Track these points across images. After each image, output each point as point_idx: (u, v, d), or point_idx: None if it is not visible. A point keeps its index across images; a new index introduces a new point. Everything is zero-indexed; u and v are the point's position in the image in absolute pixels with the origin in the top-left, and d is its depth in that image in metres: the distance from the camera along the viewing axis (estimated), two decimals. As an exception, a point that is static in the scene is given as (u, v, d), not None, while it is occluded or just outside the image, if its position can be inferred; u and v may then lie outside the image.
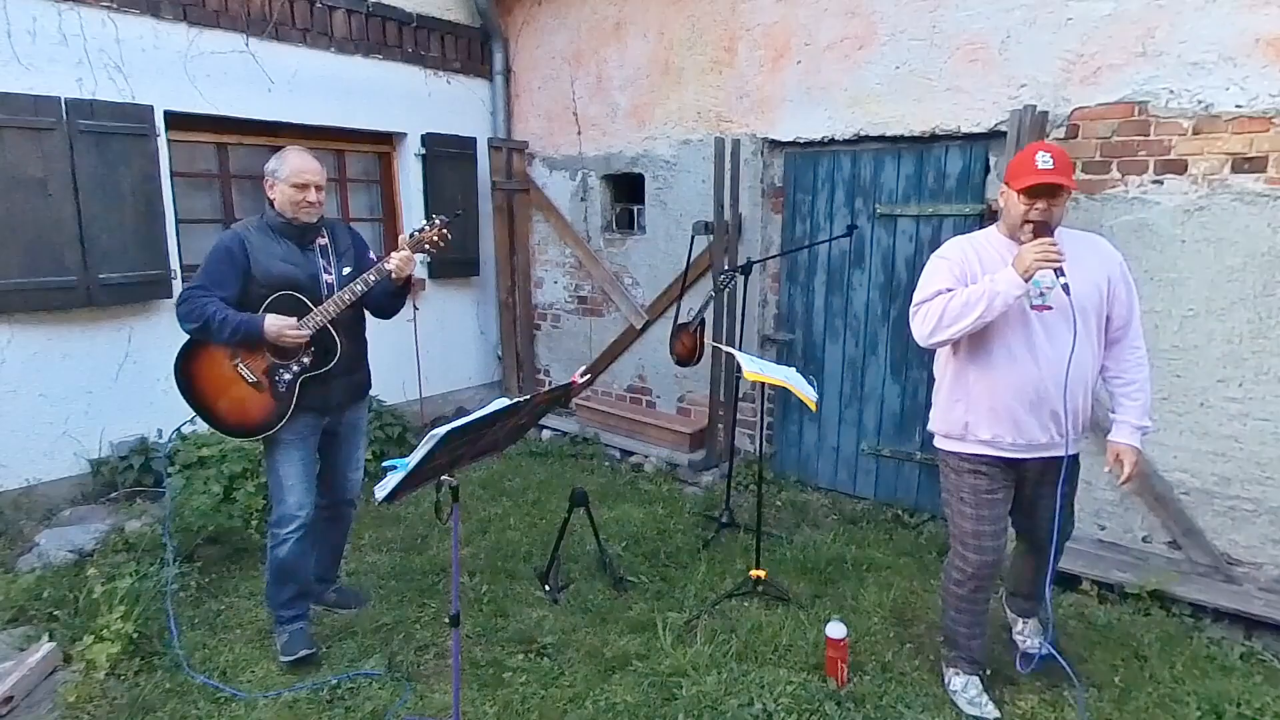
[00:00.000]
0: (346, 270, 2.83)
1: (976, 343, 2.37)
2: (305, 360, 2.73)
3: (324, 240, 2.83)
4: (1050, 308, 2.30)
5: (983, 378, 2.38)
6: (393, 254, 2.74)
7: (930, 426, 2.63)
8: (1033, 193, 2.25)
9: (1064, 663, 2.34)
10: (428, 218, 2.85)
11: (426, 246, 2.82)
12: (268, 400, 2.73)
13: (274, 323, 2.63)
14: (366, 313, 2.97)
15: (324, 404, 2.83)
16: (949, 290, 2.32)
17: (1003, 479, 2.48)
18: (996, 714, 2.58)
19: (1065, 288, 2.18)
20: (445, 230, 2.84)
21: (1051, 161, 2.22)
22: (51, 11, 3.80)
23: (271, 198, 2.73)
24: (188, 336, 2.70)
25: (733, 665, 2.83)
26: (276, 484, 2.82)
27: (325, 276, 2.79)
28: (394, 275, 2.74)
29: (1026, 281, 2.20)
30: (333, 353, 2.76)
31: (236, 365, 2.71)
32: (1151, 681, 2.77)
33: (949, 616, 2.69)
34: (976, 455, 2.46)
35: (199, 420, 2.78)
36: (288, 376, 2.72)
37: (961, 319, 2.25)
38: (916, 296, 2.41)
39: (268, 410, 2.73)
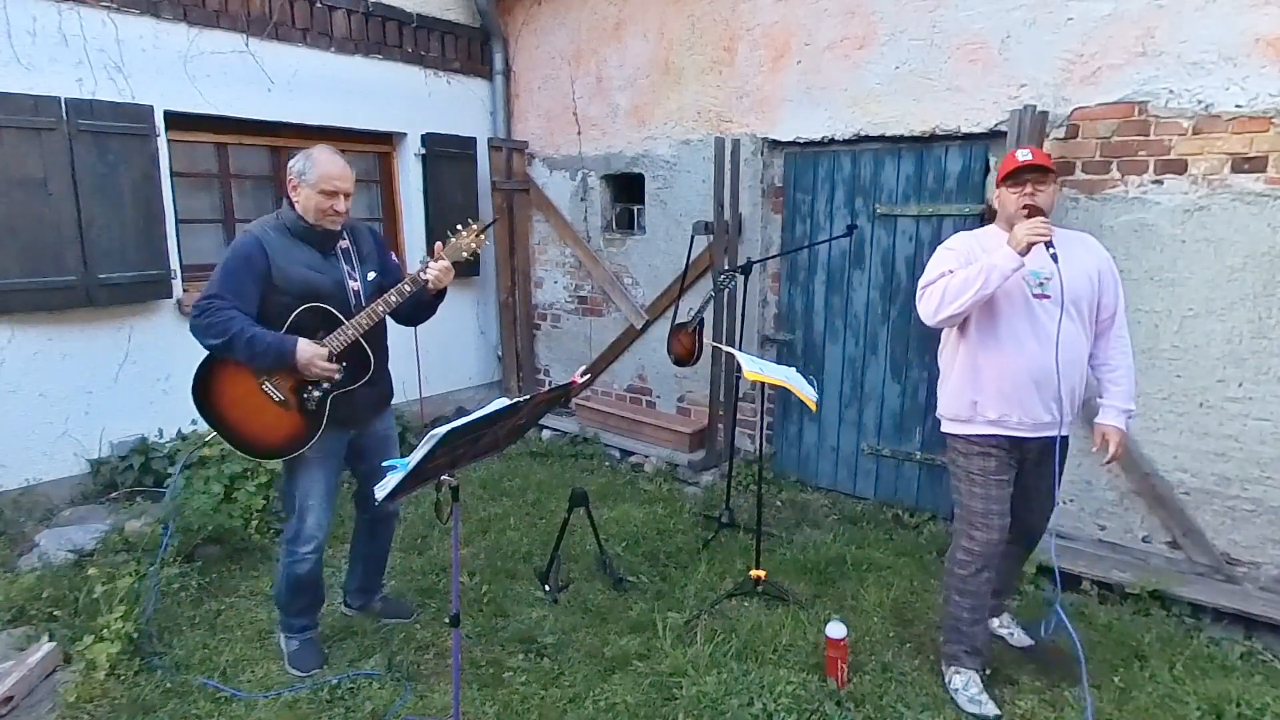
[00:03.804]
0: (371, 275, 2.69)
1: (985, 328, 2.55)
2: (337, 376, 2.56)
3: (345, 243, 2.67)
4: (1049, 296, 2.48)
5: (991, 360, 2.54)
6: (430, 264, 2.58)
7: (939, 412, 2.76)
8: (1017, 179, 2.47)
9: (1070, 628, 2.42)
10: (464, 223, 2.69)
11: (465, 255, 2.66)
12: (296, 419, 2.56)
13: (307, 351, 2.46)
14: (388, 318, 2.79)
15: (350, 417, 2.68)
16: (952, 272, 2.50)
17: (1007, 460, 2.61)
18: (997, 711, 2.59)
19: (1054, 257, 2.35)
20: (483, 236, 2.70)
21: (1030, 154, 2.49)
22: (51, 11, 3.80)
23: (295, 199, 2.54)
24: (205, 351, 2.51)
25: (733, 665, 2.83)
26: (297, 503, 2.67)
27: (351, 283, 2.63)
28: (431, 286, 2.59)
29: (1022, 256, 2.35)
30: (366, 367, 2.62)
31: (262, 383, 2.52)
32: (1151, 681, 2.77)
33: (951, 602, 2.72)
34: (984, 436, 2.59)
35: (224, 442, 2.62)
36: (318, 394, 2.55)
37: (963, 294, 2.40)
38: (922, 280, 2.58)
39: (297, 430, 2.57)
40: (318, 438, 2.60)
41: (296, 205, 2.54)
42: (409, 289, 2.57)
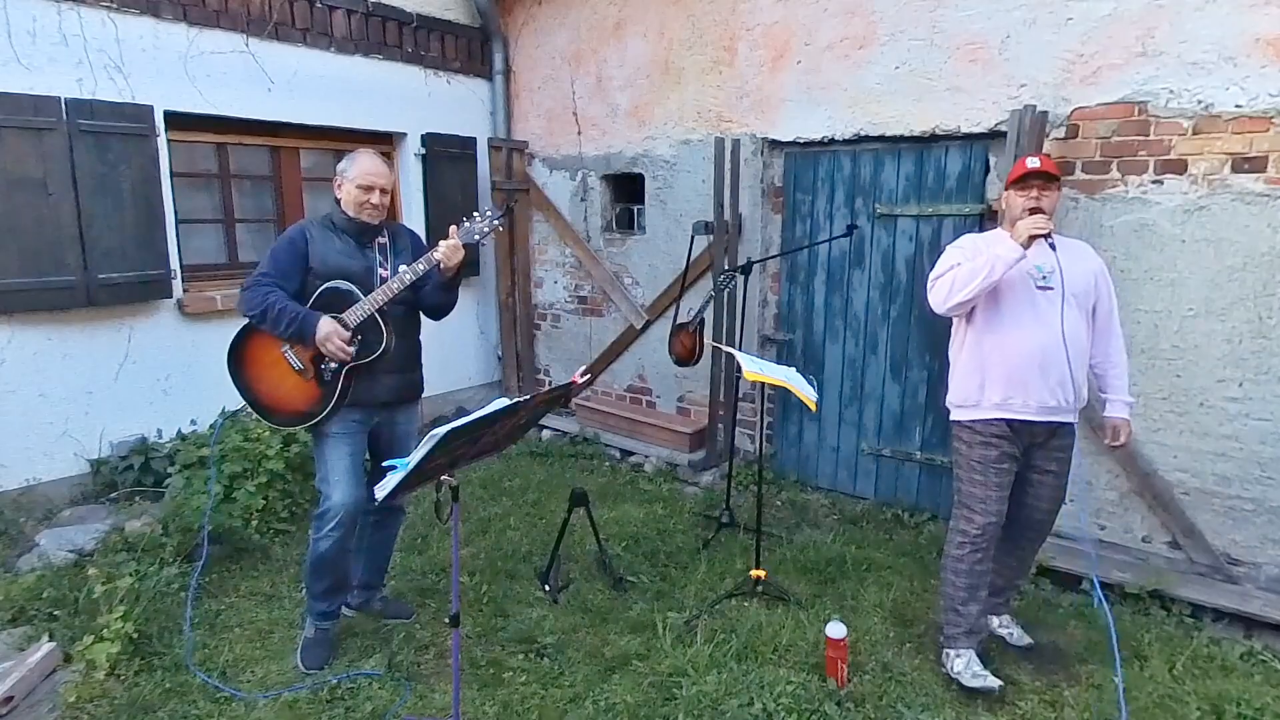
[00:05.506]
0: (402, 269, 2.83)
1: (990, 315, 2.70)
2: (351, 349, 2.72)
3: (383, 240, 2.87)
4: (1051, 288, 2.65)
5: (996, 346, 2.69)
6: (441, 242, 2.73)
7: (947, 400, 2.87)
8: (1025, 184, 2.65)
9: (1105, 604, 2.54)
10: (480, 210, 2.86)
11: (477, 238, 2.81)
12: (313, 388, 2.73)
13: (327, 326, 2.64)
14: (423, 316, 2.98)
15: (371, 399, 2.81)
16: (960, 265, 2.68)
17: (1009, 449, 2.72)
18: (999, 683, 2.67)
19: (1053, 246, 2.55)
20: (498, 224, 2.86)
21: (1039, 162, 2.66)
22: (51, 11, 3.80)
23: (339, 196, 2.80)
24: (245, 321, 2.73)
25: (733, 665, 2.83)
26: (323, 477, 2.82)
27: (380, 271, 2.82)
28: (442, 265, 2.74)
29: (1025, 248, 2.52)
30: (379, 343, 2.74)
31: (284, 351, 2.73)
32: (1151, 681, 2.78)
33: (948, 583, 2.80)
34: (988, 422, 2.71)
35: (250, 409, 2.81)
36: (334, 365, 2.72)
37: (970, 282, 2.58)
38: (933, 274, 2.75)
39: (312, 399, 2.74)
40: (337, 411, 2.75)
41: (341, 201, 2.80)
42: (422, 267, 2.74)
